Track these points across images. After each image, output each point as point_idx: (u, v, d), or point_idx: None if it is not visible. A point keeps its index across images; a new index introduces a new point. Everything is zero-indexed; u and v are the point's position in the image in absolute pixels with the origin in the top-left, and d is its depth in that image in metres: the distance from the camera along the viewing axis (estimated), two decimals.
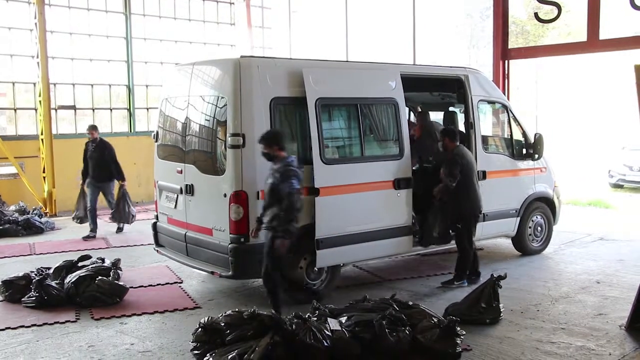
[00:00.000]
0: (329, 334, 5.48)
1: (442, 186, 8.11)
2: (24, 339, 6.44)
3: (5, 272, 8.65)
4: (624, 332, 6.43)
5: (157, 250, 8.54)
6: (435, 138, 9.31)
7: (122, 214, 11.92)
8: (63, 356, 6.01)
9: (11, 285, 7.73)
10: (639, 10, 11.23)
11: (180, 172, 7.82)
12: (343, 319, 5.78)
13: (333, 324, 5.64)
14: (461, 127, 9.50)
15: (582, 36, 12.43)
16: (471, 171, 8.14)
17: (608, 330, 6.51)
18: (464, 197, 8.10)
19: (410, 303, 6.25)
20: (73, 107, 15.82)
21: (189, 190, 7.65)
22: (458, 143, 8.25)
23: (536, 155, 9.58)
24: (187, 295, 7.93)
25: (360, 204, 7.71)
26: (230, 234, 7.02)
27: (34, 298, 7.43)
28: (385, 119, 8.12)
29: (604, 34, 11.87)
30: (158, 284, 8.39)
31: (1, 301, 7.69)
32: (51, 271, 8.00)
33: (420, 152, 9.22)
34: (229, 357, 5.27)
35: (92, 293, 7.47)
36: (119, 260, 8.49)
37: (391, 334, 5.56)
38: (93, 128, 11.81)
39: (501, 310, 6.85)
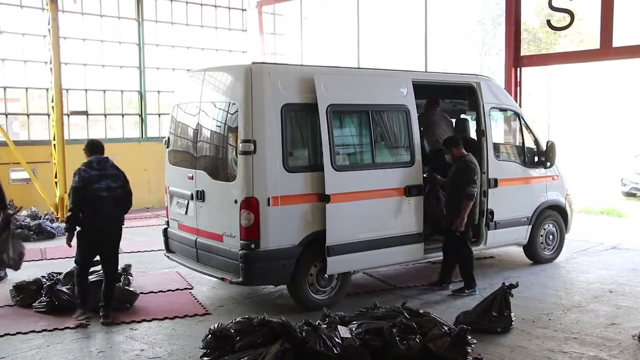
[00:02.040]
0: (339, 341, 5.46)
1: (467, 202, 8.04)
2: (35, 344, 6.46)
3: (16, 277, 8.67)
4: (637, 342, 6.35)
5: (168, 256, 8.54)
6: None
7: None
8: None
9: (22, 290, 7.77)
10: None
11: (191, 178, 7.83)
12: (353, 327, 5.76)
13: (343, 331, 5.62)
14: (473, 134, 9.47)
15: (595, 43, 12.36)
16: None
17: (621, 340, 6.44)
18: (456, 205, 8.05)
19: (421, 311, 6.21)
20: (85, 113, 15.94)
21: (200, 196, 7.66)
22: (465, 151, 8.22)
23: (548, 163, 9.52)
24: (197, 301, 7.94)
25: (371, 211, 7.69)
26: (240, 240, 7.00)
27: (44, 303, 7.46)
28: (396, 126, 8.10)
29: (617, 41, 11.79)
30: (168, 290, 8.40)
31: (12, 306, 7.72)
32: (62, 276, 8.03)
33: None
34: None
35: None
36: (129, 266, 8.54)
37: (401, 342, 5.53)
38: None
39: (512, 319, 6.80)
